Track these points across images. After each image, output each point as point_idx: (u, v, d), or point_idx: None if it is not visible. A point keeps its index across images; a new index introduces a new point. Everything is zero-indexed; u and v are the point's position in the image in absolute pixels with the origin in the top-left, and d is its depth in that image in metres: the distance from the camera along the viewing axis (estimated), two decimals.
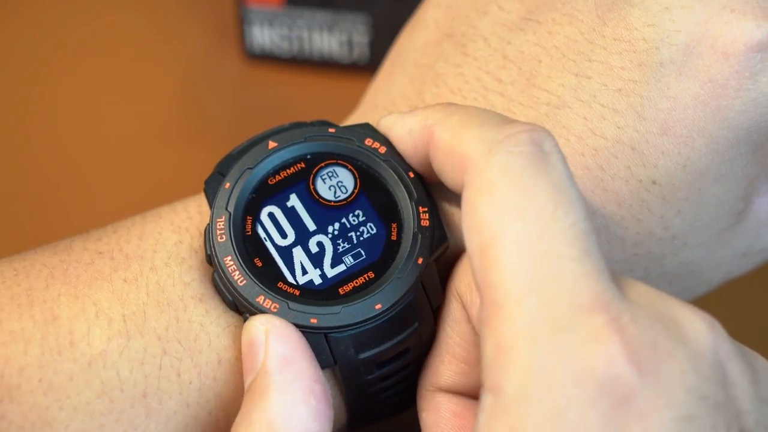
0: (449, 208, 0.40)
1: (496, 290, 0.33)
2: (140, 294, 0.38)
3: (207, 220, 0.39)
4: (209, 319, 0.38)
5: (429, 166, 0.38)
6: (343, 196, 0.39)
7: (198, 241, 0.39)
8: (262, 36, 0.63)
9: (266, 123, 0.62)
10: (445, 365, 0.39)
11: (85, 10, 0.66)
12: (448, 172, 0.37)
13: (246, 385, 0.37)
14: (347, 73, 0.64)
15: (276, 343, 0.36)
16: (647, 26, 0.39)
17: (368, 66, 0.63)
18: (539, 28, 0.40)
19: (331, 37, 0.63)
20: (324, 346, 0.37)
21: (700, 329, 0.33)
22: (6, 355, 0.36)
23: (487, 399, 0.32)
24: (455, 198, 0.40)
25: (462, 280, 0.38)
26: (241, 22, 0.63)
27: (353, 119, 0.44)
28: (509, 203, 0.33)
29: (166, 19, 0.66)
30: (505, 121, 0.35)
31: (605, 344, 0.31)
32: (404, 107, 0.42)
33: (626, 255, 0.40)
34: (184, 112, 0.63)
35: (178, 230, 0.39)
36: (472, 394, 0.39)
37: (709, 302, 0.40)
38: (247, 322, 0.37)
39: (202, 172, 0.59)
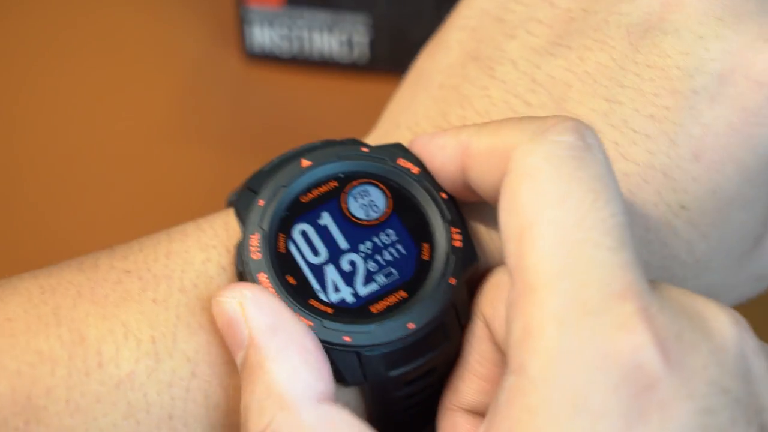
0: (479, 229, 0.40)
1: (529, 273, 0.33)
2: (170, 316, 0.37)
3: (234, 238, 0.39)
4: None
5: (460, 184, 0.38)
6: (375, 215, 0.39)
7: (226, 259, 0.39)
8: (262, 36, 0.63)
9: (266, 123, 0.62)
10: (466, 383, 0.39)
11: (84, 10, 0.66)
12: (486, 174, 0.37)
13: (238, 365, 0.36)
14: (347, 73, 0.64)
15: (256, 314, 0.36)
16: (681, 54, 0.39)
17: (368, 66, 0.63)
18: (570, 54, 0.41)
19: (331, 37, 0.63)
20: (355, 363, 0.37)
21: (725, 323, 0.33)
22: (33, 376, 0.36)
23: (509, 379, 0.33)
24: (485, 219, 0.40)
25: (485, 295, 0.38)
26: (241, 22, 0.63)
27: (373, 137, 0.44)
28: (550, 190, 0.33)
29: (166, 19, 0.66)
30: (544, 117, 0.36)
31: (634, 331, 0.31)
32: (429, 128, 0.42)
33: (649, 278, 0.40)
34: (184, 112, 0.62)
35: (206, 248, 0.39)
36: None
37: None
38: (215, 299, 0.37)
39: (202, 172, 0.60)
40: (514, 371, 0.32)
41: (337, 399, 0.37)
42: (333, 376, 0.36)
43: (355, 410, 0.39)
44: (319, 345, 0.36)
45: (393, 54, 0.62)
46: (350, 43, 0.63)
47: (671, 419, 0.31)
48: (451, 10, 0.45)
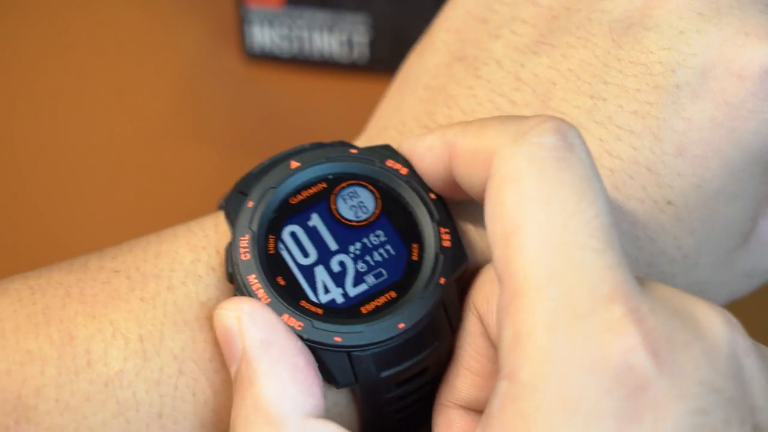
0: (468, 227, 0.40)
1: (516, 278, 0.33)
2: (157, 314, 0.38)
3: (224, 239, 0.39)
4: None
5: (449, 183, 0.39)
6: (364, 217, 0.39)
7: (215, 260, 0.39)
8: (262, 36, 0.63)
9: (266, 123, 0.62)
10: (460, 379, 0.39)
11: (84, 10, 0.66)
12: (472, 174, 0.37)
13: (232, 377, 0.37)
14: (347, 73, 0.64)
15: (251, 328, 0.36)
16: (663, 49, 0.39)
17: (368, 66, 0.63)
18: (553, 52, 0.41)
19: (331, 37, 0.63)
20: (346, 364, 0.37)
21: (717, 323, 0.33)
22: (23, 375, 0.36)
23: (501, 385, 0.33)
24: (474, 217, 0.40)
25: (478, 291, 0.39)
26: (241, 22, 0.63)
27: (362, 140, 0.44)
28: (534, 193, 0.33)
29: (166, 19, 0.66)
30: (526, 117, 0.36)
31: (623, 333, 0.31)
32: (415, 128, 0.42)
33: (638, 275, 0.40)
34: (183, 112, 0.62)
35: (195, 249, 0.39)
36: None
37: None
38: (215, 312, 0.37)
39: (201, 172, 0.60)
40: (506, 377, 0.32)
41: (328, 409, 0.38)
42: (322, 390, 0.36)
43: (347, 414, 0.39)
44: (312, 362, 0.37)
45: (393, 54, 0.62)
46: (350, 43, 0.63)
47: (664, 420, 0.31)
48: None
